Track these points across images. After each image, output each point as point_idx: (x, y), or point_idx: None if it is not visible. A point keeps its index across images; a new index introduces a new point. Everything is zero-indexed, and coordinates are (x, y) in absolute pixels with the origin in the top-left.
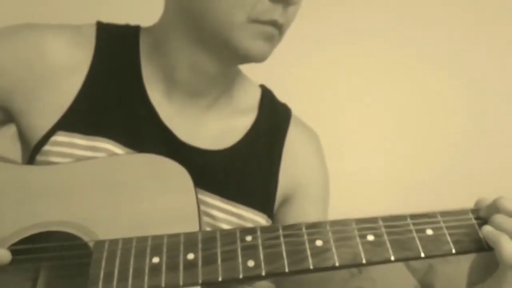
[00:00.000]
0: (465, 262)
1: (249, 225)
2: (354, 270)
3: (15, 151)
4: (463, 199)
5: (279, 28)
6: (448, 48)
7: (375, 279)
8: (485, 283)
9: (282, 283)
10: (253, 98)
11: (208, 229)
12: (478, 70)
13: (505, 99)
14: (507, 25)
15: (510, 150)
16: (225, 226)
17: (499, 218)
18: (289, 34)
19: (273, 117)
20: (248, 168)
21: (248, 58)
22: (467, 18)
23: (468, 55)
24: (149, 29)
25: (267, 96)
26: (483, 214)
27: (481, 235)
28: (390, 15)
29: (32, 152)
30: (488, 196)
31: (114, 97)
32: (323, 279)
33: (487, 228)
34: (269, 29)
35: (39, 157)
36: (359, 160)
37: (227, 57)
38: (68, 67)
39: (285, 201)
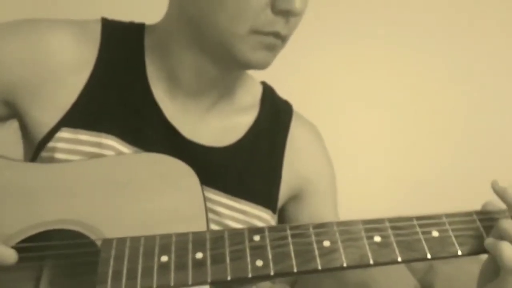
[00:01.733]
0: (466, 262)
1: (254, 220)
2: None
3: (17, 147)
4: (465, 198)
5: (282, 38)
6: (449, 47)
7: (376, 279)
8: (486, 287)
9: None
10: (254, 95)
11: (213, 225)
12: (479, 70)
13: (507, 98)
14: (507, 25)
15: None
16: (230, 222)
17: (505, 223)
18: (292, 38)
19: (274, 114)
20: (251, 164)
21: (249, 67)
22: (467, 17)
23: (469, 54)
24: (153, 27)
25: (268, 93)
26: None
27: (486, 239)
28: (392, 14)
29: (36, 148)
30: (490, 196)
31: (119, 94)
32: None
33: (487, 241)
34: (271, 39)
35: (44, 154)
36: (361, 159)
37: (229, 64)
38: (73, 64)
39: (295, 197)
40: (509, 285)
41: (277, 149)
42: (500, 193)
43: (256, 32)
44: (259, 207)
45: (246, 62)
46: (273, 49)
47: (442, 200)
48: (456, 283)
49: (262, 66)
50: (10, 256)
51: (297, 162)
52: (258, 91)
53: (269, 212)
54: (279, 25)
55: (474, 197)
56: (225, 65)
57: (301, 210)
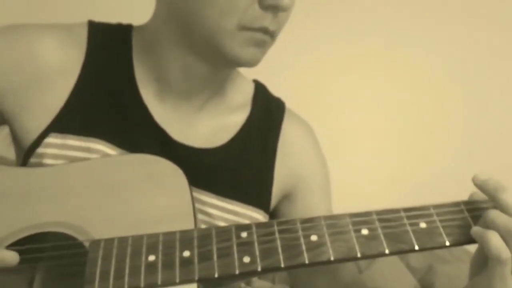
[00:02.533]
0: (465, 262)
1: (246, 221)
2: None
3: (9, 153)
4: (462, 197)
5: (270, 34)
6: (446, 46)
7: (376, 279)
8: (476, 278)
9: (297, 273)
10: (246, 94)
11: (204, 227)
12: (476, 68)
13: (505, 97)
14: (505, 23)
15: (510, 148)
16: (222, 224)
17: (491, 213)
18: (286, 31)
19: (266, 112)
20: (243, 165)
21: (239, 64)
22: (465, 16)
23: (467, 53)
24: (141, 28)
25: (260, 91)
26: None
27: (473, 227)
28: (388, 12)
29: (25, 154)
30: None
31: (107, 98)
32: (336, 268)
33: (474, 229)
34: (260, 35)
35: (32, 159)
36: (357, 157)
37: (218, 62)
38: (60, 68)
39: (288, 196)
40: (497, 275)
41: (269, 148)
42: (481, 187)
43: (244, 28)
44: (251, 207)
45: (235, 59)
46: (262, 46)
47: (441, 198)
48: (456, 283)
49: (251, 63)
50: (13, 258)
51: (289, 160)
52: (249, 90)
53: (261, 212)
54: (267, 20)
55: None
56: (214, 64)
57: (294, 209)
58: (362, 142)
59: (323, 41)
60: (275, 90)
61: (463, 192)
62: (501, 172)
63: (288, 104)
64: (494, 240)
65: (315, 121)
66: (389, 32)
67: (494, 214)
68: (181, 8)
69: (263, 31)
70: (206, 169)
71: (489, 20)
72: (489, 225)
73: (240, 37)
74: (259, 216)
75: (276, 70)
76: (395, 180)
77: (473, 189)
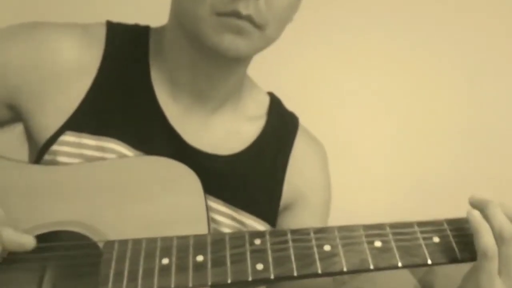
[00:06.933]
0: (466, 263)
1: None
2: None
3: (22, 150)
4: (465, 202)
5: (250, 20)
6: (449, 46)
7: (375, 279)
8: (466, 273)
9: None
10: (261, 106)
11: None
12: (480, 68)
13: (508, 99)
14: (507, 23)
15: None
16: (227, 231)
17: (495, 208)
18: (289, 35)
19: (280, 126)
20: (254, 176)
21: (219, 52)
22: (467, 15)
23: (471, 54)
24: (158, 30)
25: (275, 104)
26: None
27: (473, 212)
28: (389, 12)
29: (40, 151)
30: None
31: (123, 98)
32: None
33: (473, 213)
34: (235, 21)
35: (47, 157)
36: (361, 161)
37: (208, 53)
38: (78, 67)
39: (285, 208)
40: (484, 269)
41: (280, 162)
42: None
43: (217, 13)
44: (257, 219)
45: (214, 47)
46: (240, 33)
47: (443, 203)
48: (456, 283)
49: (231, 51)
50: (30, 243)
51: (297, 178)
52: (265, 102)
53: (267, 225)
54: (239, 4)
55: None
56: (210, 57)
57: (285, 221)
58: (365, 146)
59: (324, 40)
60: (276, 89)
61: (465, 193)
62: (503, 176)
63: (289, 104)
64: (487, 236)
65: (315, 121)
66: (391, 32)
67: (496, 211)
68: (176, 6)
69: (236, 16)
70: (216, 176)
71: (493, 19)
72: (488, 219)
73: (214, 23)
74: (264, 228)
75: (277, 69)
76: (396, 181)
77: (475, 191)
